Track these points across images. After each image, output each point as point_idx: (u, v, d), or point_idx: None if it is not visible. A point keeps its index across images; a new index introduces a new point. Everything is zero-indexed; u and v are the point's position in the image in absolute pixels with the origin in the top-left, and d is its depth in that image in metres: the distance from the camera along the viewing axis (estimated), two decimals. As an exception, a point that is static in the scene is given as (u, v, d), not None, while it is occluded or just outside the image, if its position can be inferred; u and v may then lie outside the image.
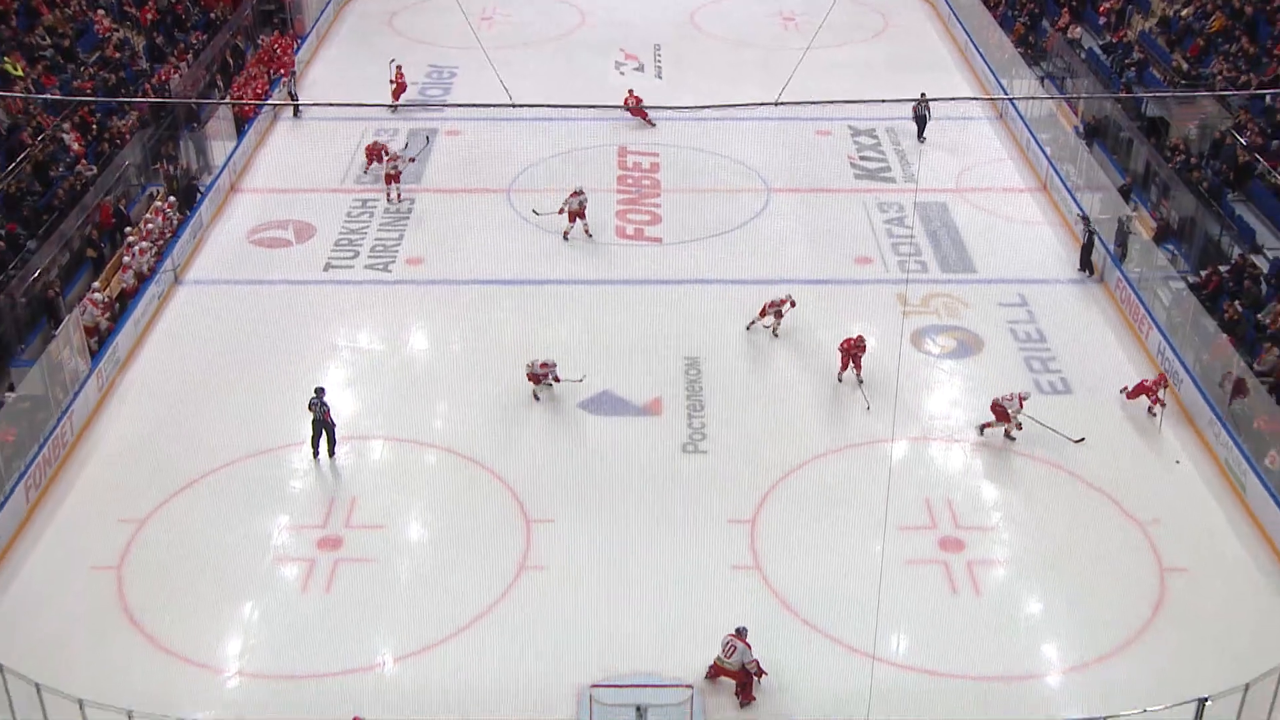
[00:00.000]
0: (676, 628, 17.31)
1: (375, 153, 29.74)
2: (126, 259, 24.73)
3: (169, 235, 26.17)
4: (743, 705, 15.92)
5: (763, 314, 23.69)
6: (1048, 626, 17.70)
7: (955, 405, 22.35)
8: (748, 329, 23.48)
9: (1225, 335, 21.73)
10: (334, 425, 20.54)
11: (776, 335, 23.38)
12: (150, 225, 25.80)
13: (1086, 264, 26.20)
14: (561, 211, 26.14)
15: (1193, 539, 19.09)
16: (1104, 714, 14.48)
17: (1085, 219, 26.20)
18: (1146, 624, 17.48)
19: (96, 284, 23.83)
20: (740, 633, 16.07)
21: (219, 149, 29.80)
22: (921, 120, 31.48)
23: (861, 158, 30.89)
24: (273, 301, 25.08)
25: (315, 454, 20.46)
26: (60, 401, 20.90)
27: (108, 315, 23.42)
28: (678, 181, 29.61)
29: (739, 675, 15.92)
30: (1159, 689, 15.74)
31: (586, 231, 26.20)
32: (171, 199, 27.08)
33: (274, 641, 17.25)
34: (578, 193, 26.31)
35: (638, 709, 15.50)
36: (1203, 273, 24.45)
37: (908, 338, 23.85)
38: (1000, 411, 20.87)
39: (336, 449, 20.60)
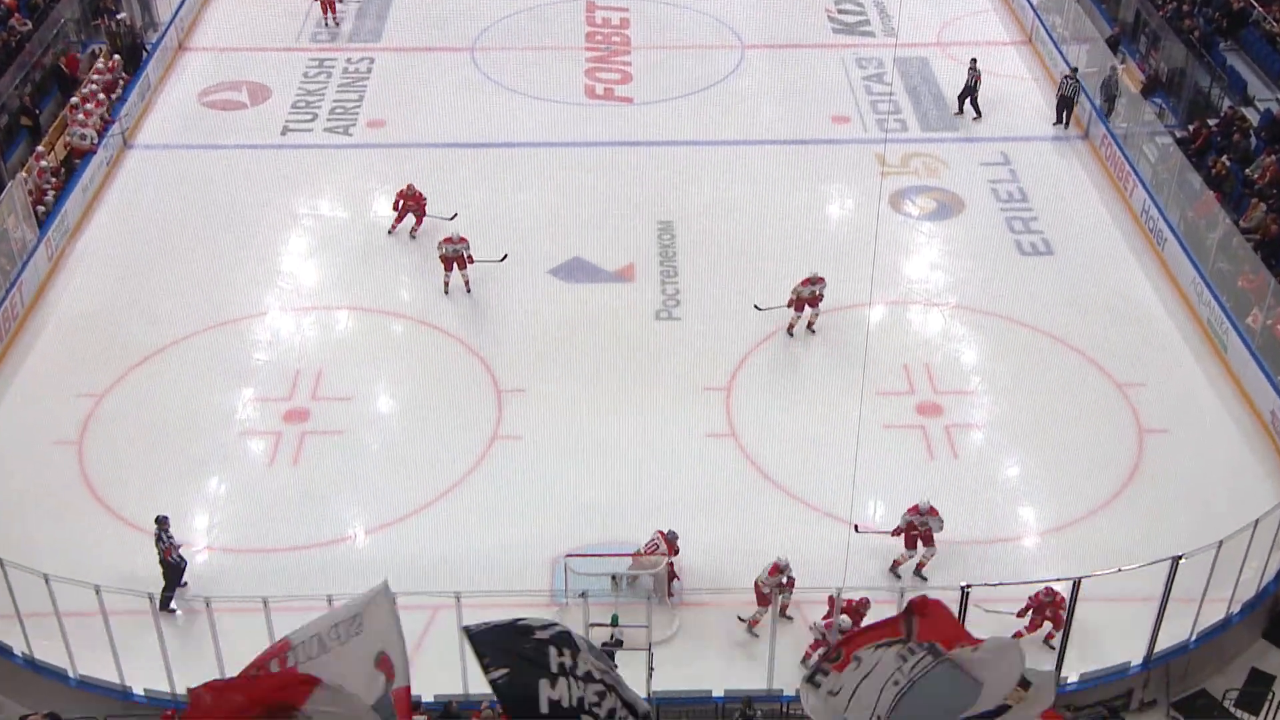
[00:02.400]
0: (651, 497, 17.37)
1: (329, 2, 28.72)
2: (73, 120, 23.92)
3: (115, 97, 25.35)
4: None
5: (798, 307, 19.92)
6: (1025, 490, 17.86)
7: (934, 268, 22.23)
8: (789, 332, 19.88)
9: (1211, 191, 21.52)
10: (182, 565, 15.87)
11: (814, 330, 20.01)
12: (94, 86, 24.92)
13: (1063, 116, 25.82)
14: (791, 303, 20.18)
15: (1173, 400, 19.19)
16: (1080, 574, 14.67)
17: (1074, 73, 25.71)
18: (1124, 486, 17.67)
19: (40, 148, 23.09)
20: (669, 536, 15.68)
21: (163, 3, 28.84)
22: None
23: (840, 10, 30.14)
24: (228, 167, 24.54)
25: (164, 606, 15.53)
26: (8, 272, 20.44)
27: (53, 181, 22.77)
28: (649, 38, 28.86)
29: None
30: (1135, 549, 15.94)
31: (810, 326, 20.10)
32: (116, 57, 26.14)
33: (242, 516, 17.24)
34: (813, 280, 20.01)
35: (613, 578, 15.63)
36: (1190, 127, 24.12)
37: (886, 199, 23.60)
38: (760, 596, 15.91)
39: (174, 597, 15.77)
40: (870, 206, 22.88)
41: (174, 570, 15.76)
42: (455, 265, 20.64)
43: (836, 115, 26.35)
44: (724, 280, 21.66)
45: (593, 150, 25.18)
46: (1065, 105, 25.76)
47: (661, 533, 15.85)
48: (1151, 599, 14.62)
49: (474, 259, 20.73)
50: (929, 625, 8.79)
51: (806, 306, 19.98)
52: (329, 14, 28.70)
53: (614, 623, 14.45)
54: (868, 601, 14.93)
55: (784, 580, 15.38)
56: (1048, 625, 15.26)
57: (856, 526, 15.96)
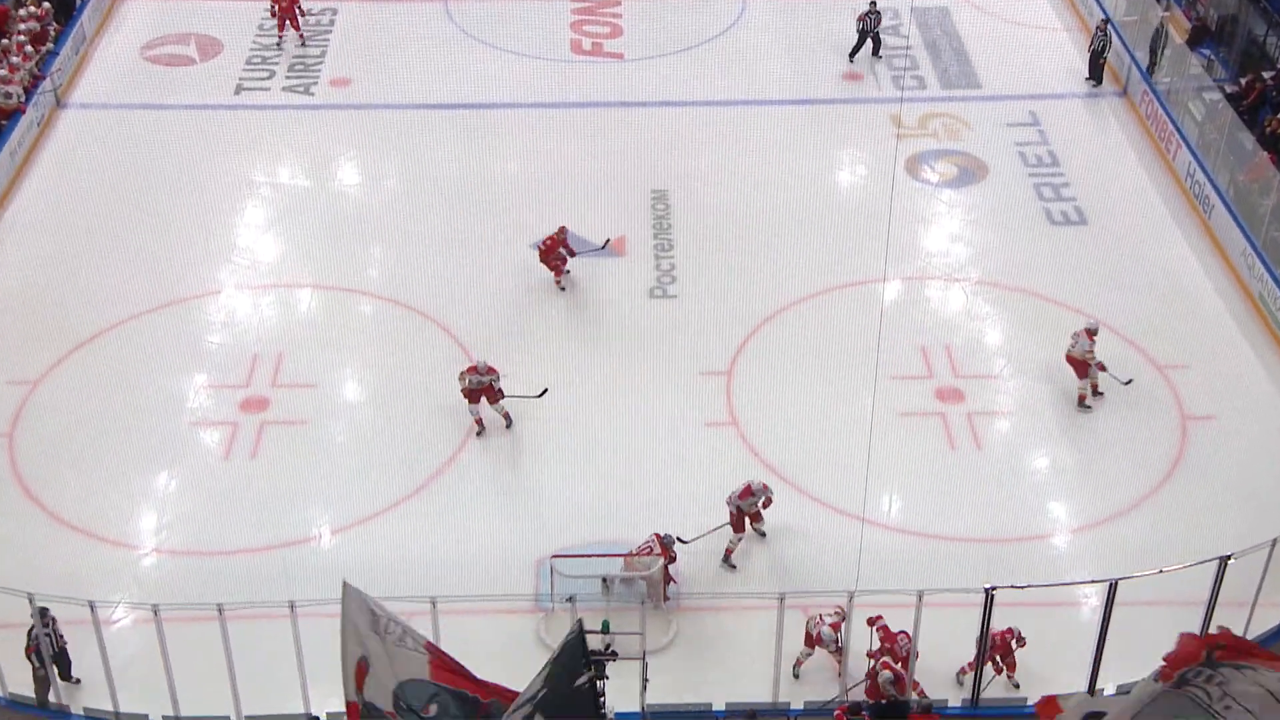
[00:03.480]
0: (645, 492, 17.28)
1: None
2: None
3: (46, 50, 25.09)
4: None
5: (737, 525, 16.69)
6: (1056, 483, 17.78)
7: (955, 240, 22.14)
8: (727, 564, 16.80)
9: (1265, 152, 21.41)
10: (63, 653, 14.56)
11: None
12: (20, 37, 24.63)
13: (1096, 72, 25.72)
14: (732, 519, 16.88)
15: (1220, 384, 19.11)
16: (1117, 576, 14.60)
17: (1105, 23, 25.60)
18: (1166, 478, 17.59)
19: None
20: (665, 540, 15.69)
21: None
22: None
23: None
24: (176, 129, 24.38)
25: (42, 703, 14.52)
26: (-68, 246, 20.36)
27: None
28: (641, -13, 28.76)
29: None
30: (1178, 548, 15.88)
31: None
32: (46, 4, 25.86)
33: (194, 515, 17.13)
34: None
35: (603, 580, 15.54)
36: (1242, 81, 23.93)
37: (902, 164, 23.49)
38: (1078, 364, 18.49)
39: (60, 688, 14.52)
40: (885, 172, 22.80)
41: (58, 660, 14.41)
42: (484, 398, 18.10)
43: (848, 72, 26.22)
44: (724, 255, 21.54)
45: (580, 112, 25.04)
46: (1097, 59, 25.66)
47: (657, 535, 15.77)
48: (1197, 603, 14.52)
49: (504, 393, 18.11)
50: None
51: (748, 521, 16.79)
52: (285, 30, 26.51)
53: (605, 630, 14.26)
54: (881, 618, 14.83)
55: (762, 502, 15.88)
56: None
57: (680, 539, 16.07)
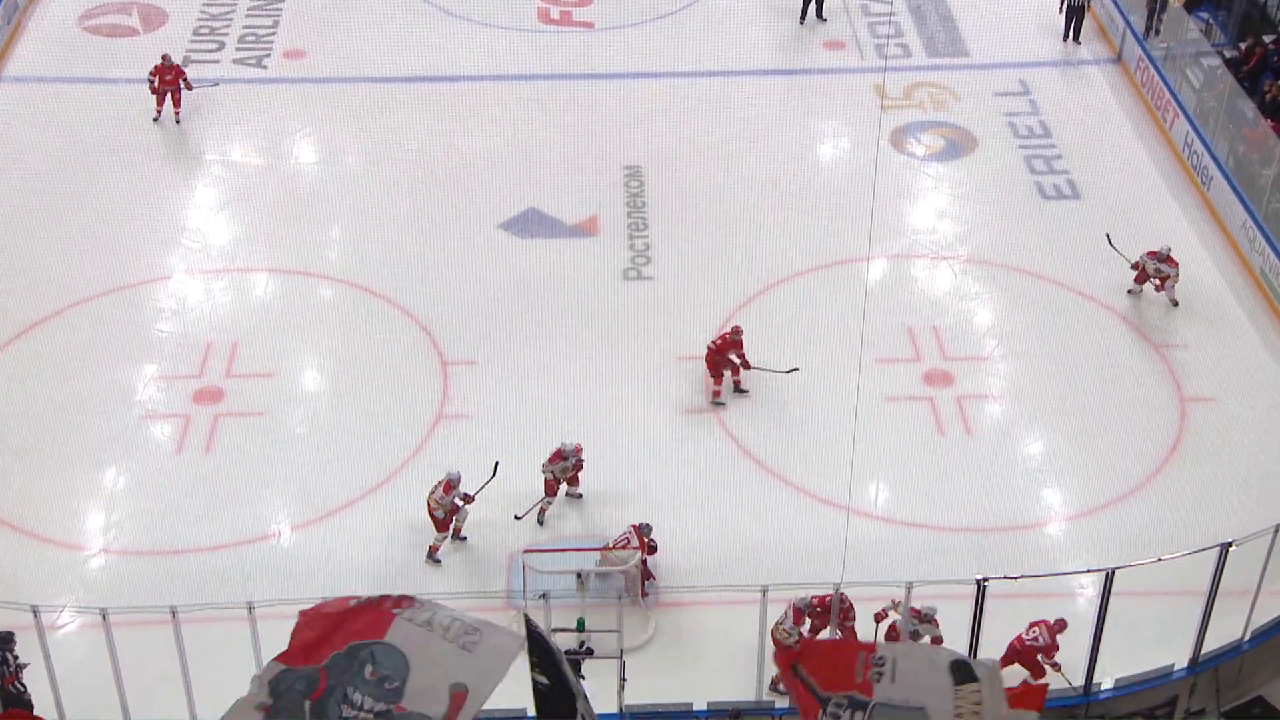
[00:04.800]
0: (621, 483, 17.28)
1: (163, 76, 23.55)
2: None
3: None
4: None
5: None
6: (1050, 469, 17.85)
7: (943, 216, 22.20)
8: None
9: (1267, 121, 21.51)
10: (25, 698, 14.14)
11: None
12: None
13: (1071, 30, 25.88)
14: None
15: (1220, 364, 19.22)
16: (1114, 565, 14.69)
17: None
18: (1164, 463, 17.69)
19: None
20: (642, 529, 15.72)
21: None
22: None
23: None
24: (119, 104, 24.14)
25: None
26: None
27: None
28: (612, -49, 28.67)
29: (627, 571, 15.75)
30: (1178, 535, 15.98)
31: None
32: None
33: (145, 512, 17.03)
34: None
35: (578, 575, 15.56)
36: (1242, 45, 24.04)
37: (886, 137, 23.53)
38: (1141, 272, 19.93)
39: None
40: (869, 145, 22.82)
41: (15, 702, 13.95)
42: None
43: (829, 40, 26.23)
44: (701, 234, 21.53)
45: (547, 84, 24.98)
46: (1075, 16, 25.74)
47: (635, 526, 15.78)
48: (1198, 592, 14.64)
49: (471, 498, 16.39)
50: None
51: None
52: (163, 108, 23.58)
53: (580, 628, 14.40)
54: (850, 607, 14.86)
55: (574, 464, 16.54)
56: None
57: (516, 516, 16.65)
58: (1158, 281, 19.88)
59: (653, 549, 15.90)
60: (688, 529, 16.59)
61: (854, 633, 14.90)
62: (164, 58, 23.13)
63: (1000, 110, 24.47)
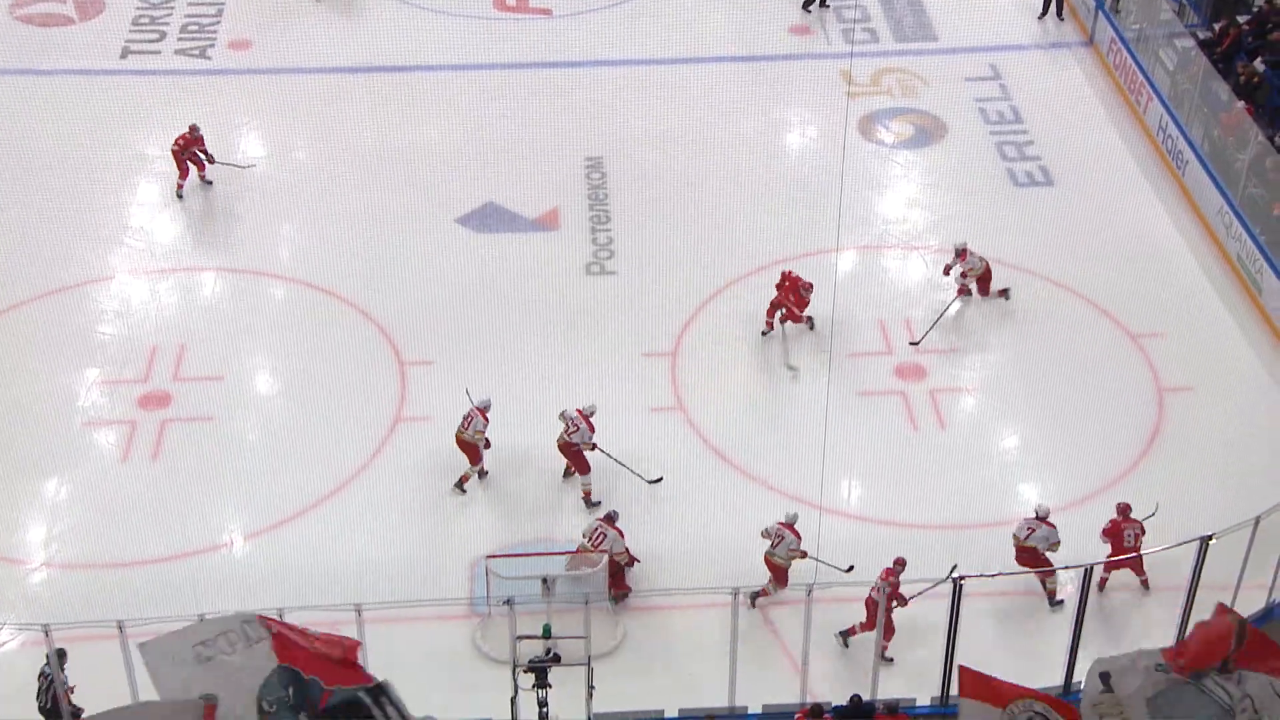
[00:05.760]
0: (580, 490, 17.21)
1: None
2: None
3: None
4: (617, 598, 15.81)
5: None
6: (1026, 463, 17.96)
7: (913, 205, 22.30)
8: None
9: (1241, 103, 21.67)
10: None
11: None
12: None
13: (1050, 5, 26.12)
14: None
15: (1198, 353, 19.37)
16: (1092, 560, 14.78)
17: None
18: (1141, 455, 17.82)
19: None
20: (611, 518, 15.90)
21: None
22: None
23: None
24: (56, 98, 24.05)
25: None
26: None
27: None
28: (569, -64, 28.64)
29: (611, 565, 15.77)
30: (1157, 529, 16.07)
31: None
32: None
33: (89, 524, 16.90)
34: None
35: (544, 580, 15.47)
36: (1216, 25, 24.18)
37: (854, 124, 23.61)
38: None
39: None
40: (836, 134, 22.84)
41: None
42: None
43: (794, 25, 26.27)
44: (666, 226, 21.55)
45: (505, 73, 24.94)
46: None
47: (607, 519, 15.78)
48: (1177, 587, 14.77)
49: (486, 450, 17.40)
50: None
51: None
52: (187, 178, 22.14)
53: (546, 634, 14.32)
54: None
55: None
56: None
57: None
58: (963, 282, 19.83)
59: (632, 561, 15.92)
60: (656, 530, 16.61)
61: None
62: (192, 128, 21.58)
63: (970, 96, 24.59)
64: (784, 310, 19.23)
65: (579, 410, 16.98)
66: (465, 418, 17.10)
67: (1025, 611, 15.79)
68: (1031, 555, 15.65)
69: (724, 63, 25.22)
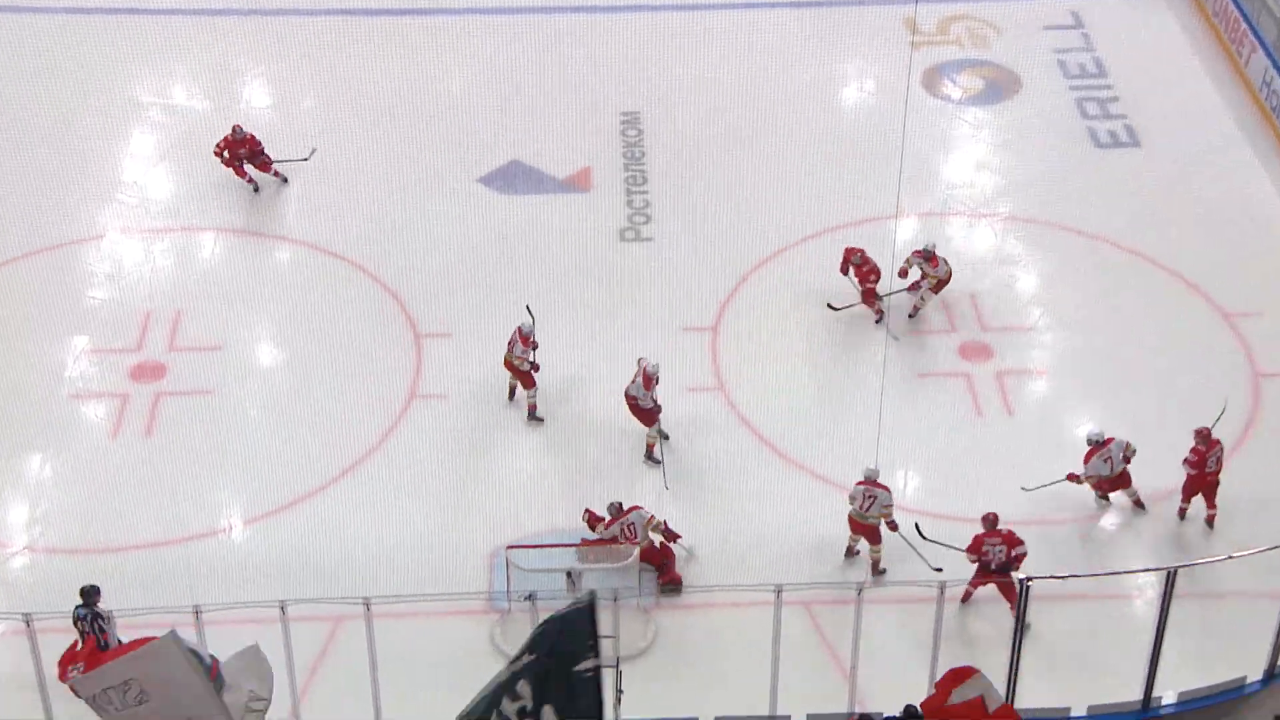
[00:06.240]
0: (616, 471, 17.32)
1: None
2: None
3: None
4: (662, 587, 15.90)
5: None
6: (1103, 454, 17.87)
7: (982, 168, 22.24)
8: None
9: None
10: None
11: (913, 314, 19.51)
12: None
13: None
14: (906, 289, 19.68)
15: (1299, 334, 19.25)
16: (1176, 563, 14.71)
17: None
18: (1234, 447, 17.63)
19: None
20: (619, 507, 15.91)
21: None
22: None
23: None
24: (41, 38, 24.18)
25: None
26: None
27: None
28: None
29: (651, 554, 15.91)
30: (1249, 530, 16.00)
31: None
32: None
33: (76, 506, 17.05)
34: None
35: (569, 574, 15.57)
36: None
37: (919, 77, 23.52)
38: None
39: None
40: (898, 88, 22.62)
41: None
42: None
43: (855, -33, 26.24)
44: (708, 188, 21.54)
45: (533, 18, 24.97)
46: None
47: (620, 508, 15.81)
48: (1274, 595, 14.66)
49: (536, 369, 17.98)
50: None
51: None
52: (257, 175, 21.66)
53: (570, 634, 14.38)
54: None
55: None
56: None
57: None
58: (914, 282, 19.41)
59: (673, 537, 16.04)
60: (693, 521, 16.62)
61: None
62: (235, 129, 21.03)
63: (1048, 46, 24.43)
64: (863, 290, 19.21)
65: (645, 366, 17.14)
66: (510, 340, 17.59)
67: (1101, 619, 15.71)
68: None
69: (775, 8, 25.15)
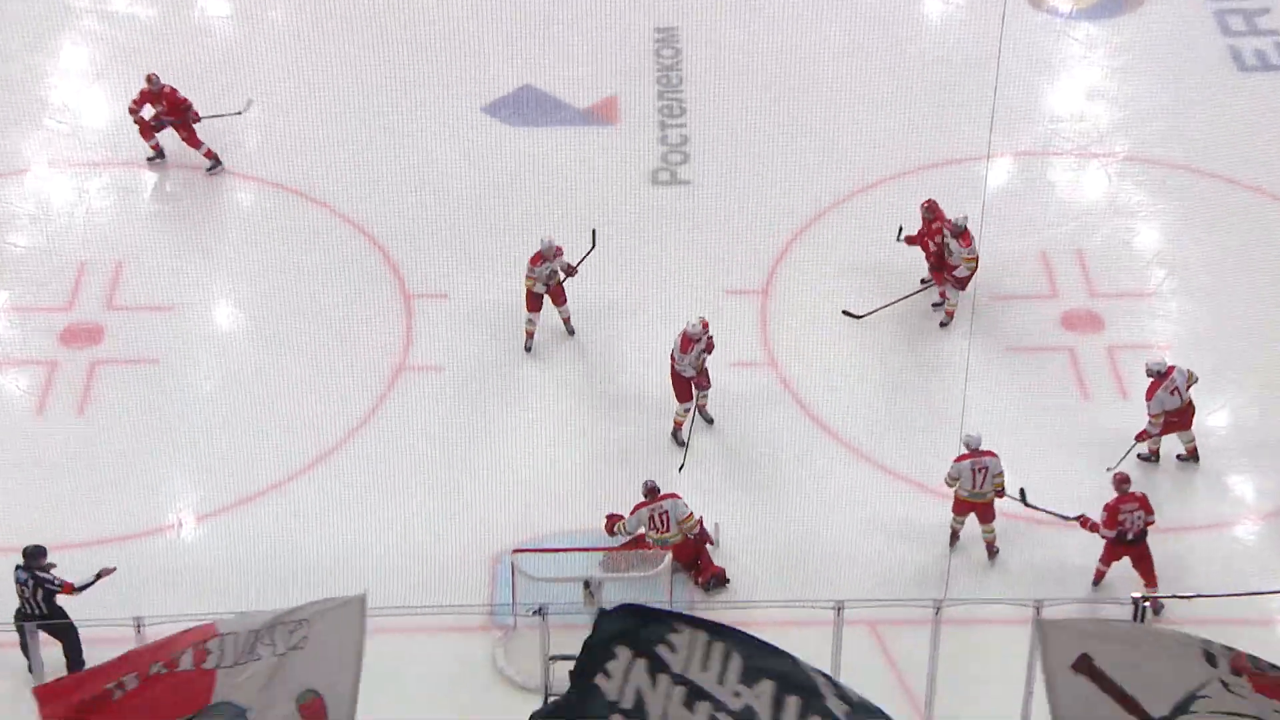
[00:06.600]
0: (646, 459, 17.37)
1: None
2: None
3: None
4: (704, 585, 16.07)
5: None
6: (1237, 446, 17.81)
7: (1095, 97, 22.26)
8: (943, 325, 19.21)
9: None
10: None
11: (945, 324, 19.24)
12: None
13: None
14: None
15: None
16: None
17: None
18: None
19: None
20: (652, 489, 16.06)
21: None
22: None
23: None
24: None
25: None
26: None
27: None
28: None
29: (682, 550, 16.03)
30: None
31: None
32: None
33: (-5, 495, 17.19)
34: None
35: (586, 584, 15.62)
36: None
37: (1018, -14, 23.47)
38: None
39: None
40: None
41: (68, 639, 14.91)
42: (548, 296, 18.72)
43: None
44: (758, 122, 21.57)
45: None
46: None
47: (656, 494, 15.92)
48: None
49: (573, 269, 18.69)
50: None
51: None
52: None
53: (588, 657, 14.49)
54: None
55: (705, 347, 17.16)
56: None
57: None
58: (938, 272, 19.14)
59: (705, 538, 16.18)
60: (737, 522, 16.72)
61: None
62: (150, 79, 20.45)
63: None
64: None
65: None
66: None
67: (1235, 643, 15.73)
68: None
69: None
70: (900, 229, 19.11)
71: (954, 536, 16.52)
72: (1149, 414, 16.81)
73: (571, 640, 14.37)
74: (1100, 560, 15.93)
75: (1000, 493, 16.14)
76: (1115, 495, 15.68)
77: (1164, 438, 17.12)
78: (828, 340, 18.80)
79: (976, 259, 18.56)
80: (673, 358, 17.28)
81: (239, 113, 21.03)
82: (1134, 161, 21.11)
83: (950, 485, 16.11)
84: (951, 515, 16.35)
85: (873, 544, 16.36)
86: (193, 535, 16.95)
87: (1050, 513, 16.11)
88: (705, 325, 17.15)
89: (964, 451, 15.99)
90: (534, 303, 18.43)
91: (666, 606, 15.38)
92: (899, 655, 15.41)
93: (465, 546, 16.62)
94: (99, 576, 14.94)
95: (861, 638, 15.36)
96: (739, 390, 18.21)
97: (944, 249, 18.61)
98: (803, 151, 21.13)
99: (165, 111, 20.56)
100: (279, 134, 21.44)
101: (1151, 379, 16.80)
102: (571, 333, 18.83)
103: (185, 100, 20.51)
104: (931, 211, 18.81)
